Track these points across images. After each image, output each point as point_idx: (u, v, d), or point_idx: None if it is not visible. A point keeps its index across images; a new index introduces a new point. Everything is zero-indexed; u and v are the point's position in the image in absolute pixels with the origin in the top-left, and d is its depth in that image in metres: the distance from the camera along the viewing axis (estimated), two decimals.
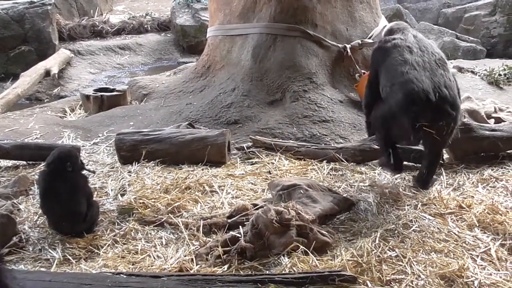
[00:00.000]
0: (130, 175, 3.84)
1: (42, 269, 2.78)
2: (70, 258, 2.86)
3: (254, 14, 5.21)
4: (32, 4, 8.31)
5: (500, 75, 5.79)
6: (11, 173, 4.05)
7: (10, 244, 2.96)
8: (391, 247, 2.73)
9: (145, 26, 9.97)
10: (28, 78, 7.16)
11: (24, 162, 4.23)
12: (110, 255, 2.87)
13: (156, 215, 3.24)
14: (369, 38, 5.24)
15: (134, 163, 4.01)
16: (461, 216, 3.07)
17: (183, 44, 9.50)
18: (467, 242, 2.80)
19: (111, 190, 3.66)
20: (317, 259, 2.63)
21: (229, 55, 5.31)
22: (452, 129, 3.27)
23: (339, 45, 5.08)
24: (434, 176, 3.50)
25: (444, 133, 3.23)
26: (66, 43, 8.94)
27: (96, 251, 2.93)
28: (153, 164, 3.98)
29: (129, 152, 4.06)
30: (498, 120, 4.44)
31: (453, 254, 2.69)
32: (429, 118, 3.14)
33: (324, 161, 3.94)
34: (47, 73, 7.59)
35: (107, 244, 2.98)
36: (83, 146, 4.47)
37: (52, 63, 7.80)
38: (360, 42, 5.14)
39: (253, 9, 5.22)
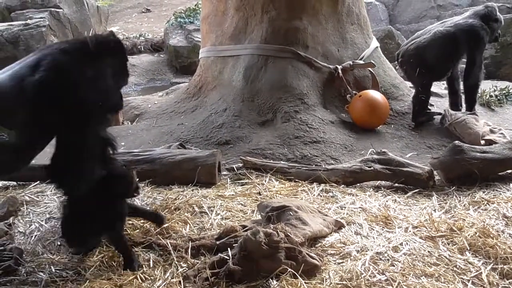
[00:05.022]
0: None
1: None
2: (57, 280, 2.81)
3: (245, 36, 5.25)
4: (27, 26, 8.36)
5: (491, 96, 5.81)
6: (0, 194, 3.98)
7: (4, 267, 2.92)
8: (380, 270, 2.68)
9: (139, 47, 10.03)
10: None
11: (14, 183, 4.17)
12: (98, 276, 2.81)
13: (144, 236, 3.19)
14: (360, 59, 5.28)
15: None
16: (452, 240, 3.03)
17: (176, 65, 9.54)
18: (458, 266, 2.76)
19: None
20: (305, 283, 2.58)
21: (221, 76, 5.33)
22: (417, 73, 5.05)
23: (330, 66, 5.11)
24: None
25: (411, 74, 5.19)
26: None
27: (83, 272, 2.87)
28: (143, 185, 3.93)
29: None
30: (490, 142, 4.45)
31: (444, 278, 2.64)
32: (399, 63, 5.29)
33: (315, 183, 3.91)
34: None
35: (94, 266, 2.92)
36: None
37: None
38: (351, 63, 5.17)
39: (244, 31, 5.26)
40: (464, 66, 5.27)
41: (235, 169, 4.21)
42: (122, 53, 3.12)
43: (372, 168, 3.95)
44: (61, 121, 2.75)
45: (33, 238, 3.29)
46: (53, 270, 2.91)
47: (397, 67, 5.32)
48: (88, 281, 2.77)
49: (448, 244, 3.00)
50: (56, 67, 2.76)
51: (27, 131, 2.75)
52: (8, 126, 2.68)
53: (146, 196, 3.75)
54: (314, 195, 3.73)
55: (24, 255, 3.06)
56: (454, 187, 3.80)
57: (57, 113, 2.73)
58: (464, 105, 5.34)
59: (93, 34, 3.37)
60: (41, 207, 3.69)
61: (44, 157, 4.68)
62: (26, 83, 2.69)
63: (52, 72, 2.72)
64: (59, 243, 3.21)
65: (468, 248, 2.92)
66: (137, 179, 3.08)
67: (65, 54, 2.84)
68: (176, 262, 2.89)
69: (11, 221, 3.48)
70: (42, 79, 2.68)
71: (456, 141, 4.02)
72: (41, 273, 2.87)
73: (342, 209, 3.50)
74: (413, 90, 5.42)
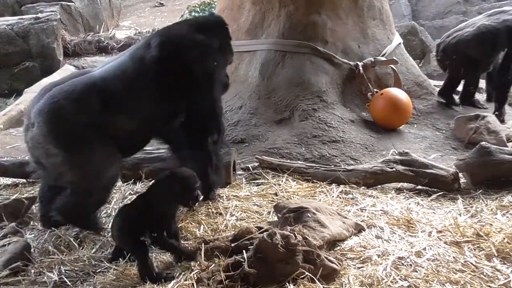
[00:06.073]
0: (132, 195, 3.74)
1: None
2: (66, 280, 2.78)
3: (262, 30, 5.17)
4: (38, 20, 8.35)
5: None
6: (10, 191, 4.00)
7: (13, 267, 2.90)
8: (403, 276, 2.58)
9: None
10: (32, 94, 7.08)
11: (24, 180, 4.17)
12: (108, 277, 2.78)
13: None
14: (382, 55, 5.16)
15: (137, 182, 3.93)
16: (478, 245, 2.91)
17: None
18: (485, 273, 2.64)
19: (114, 210, 3.57)
20: (324, 287, 2.50)
21: (236, 72, 5.25)
22: (454, 66, 5.37)
23: (351, 63, 5.00)
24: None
25: (454, 69, 5.40)
26: (71, 59, 8.95)
27: (93, 274, 2.84)
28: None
29: (131, 170, 3.98)
30: None
31: (470, 286, 2.53)
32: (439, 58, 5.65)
33: (334, 184, 3.83)
34: None
35: (105, 266, 2.89)
36: None
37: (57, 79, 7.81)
38: (373, 60, 5.05)
39: (261, 25, 5.18)
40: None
41: (251, 169, 4.14)
42: (226, 31, 3.49)
43: (394, 169, 3.85)
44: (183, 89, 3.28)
45: (44, 236, 3.29)
46: (63, 270, 2.89)
47: (420, 64, 5.20)
48: (98, 282, 2.74)
49: (475, 250, 2.88)
50: (166, 41, 3.22)
51: (155, 104, 3.21)
52: (141, 104, 3.16)
53: None
54: (333, 196, 3.65)
55: (34, 255, 3.05)
56: (480, 191, 3.69)
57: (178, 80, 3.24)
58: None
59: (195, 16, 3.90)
60: None
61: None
62: (148, 59, 3.16)
63: (164, 45, 3.18)
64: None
65: (496, 255, 2.81)
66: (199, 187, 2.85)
67: (172, 30, 3.41)
68: (189, 264, 2.81)
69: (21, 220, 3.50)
70: (158, 53, 3.15)
71: (483, 142, 3.89)
72: (50, 274, 2.86)
73: (362, 211, 3.41)
74: (437, 89, 5.34)
